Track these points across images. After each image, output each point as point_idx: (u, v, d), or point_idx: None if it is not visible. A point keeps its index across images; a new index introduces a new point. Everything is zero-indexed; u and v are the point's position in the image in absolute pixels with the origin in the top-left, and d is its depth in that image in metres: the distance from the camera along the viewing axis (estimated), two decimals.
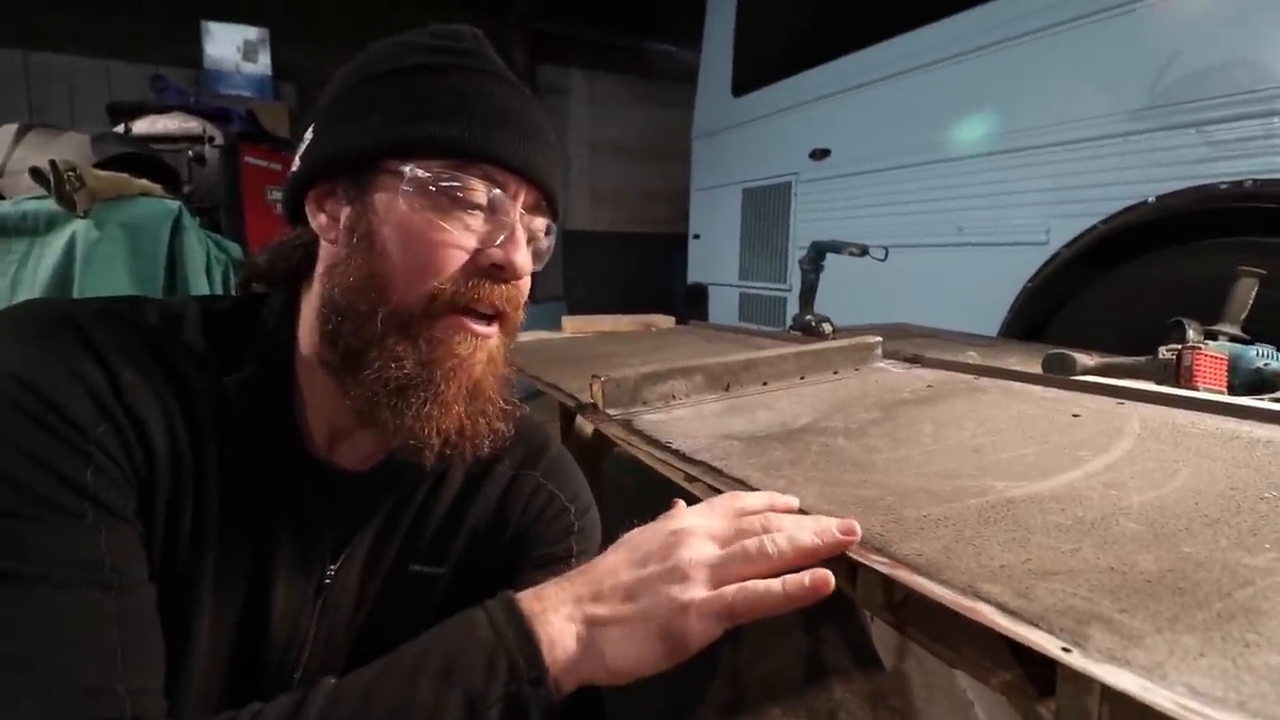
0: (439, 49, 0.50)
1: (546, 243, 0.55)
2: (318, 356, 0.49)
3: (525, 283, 0.53)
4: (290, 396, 0.51)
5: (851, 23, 2.58)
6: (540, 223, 0.53)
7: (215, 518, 0.47)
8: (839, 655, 1.51)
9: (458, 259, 0.47)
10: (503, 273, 0.48)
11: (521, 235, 0.49)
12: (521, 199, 0.50)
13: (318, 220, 0.50)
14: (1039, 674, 0.36)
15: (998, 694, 0.41)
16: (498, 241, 0.48)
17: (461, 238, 0.47)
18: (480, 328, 0.49)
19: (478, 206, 0.48)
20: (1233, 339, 1.03)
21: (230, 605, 0.48)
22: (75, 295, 1.13)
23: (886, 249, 1.54)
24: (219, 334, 0.50)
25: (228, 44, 4.56)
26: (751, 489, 0.54)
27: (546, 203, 0.53)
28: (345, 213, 0.48)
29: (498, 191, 0.48)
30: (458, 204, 0.47)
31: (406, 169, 0.46)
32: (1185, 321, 1.02)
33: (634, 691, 1.38)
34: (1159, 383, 0.92)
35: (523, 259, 0.49)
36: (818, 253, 1.62)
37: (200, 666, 0.47)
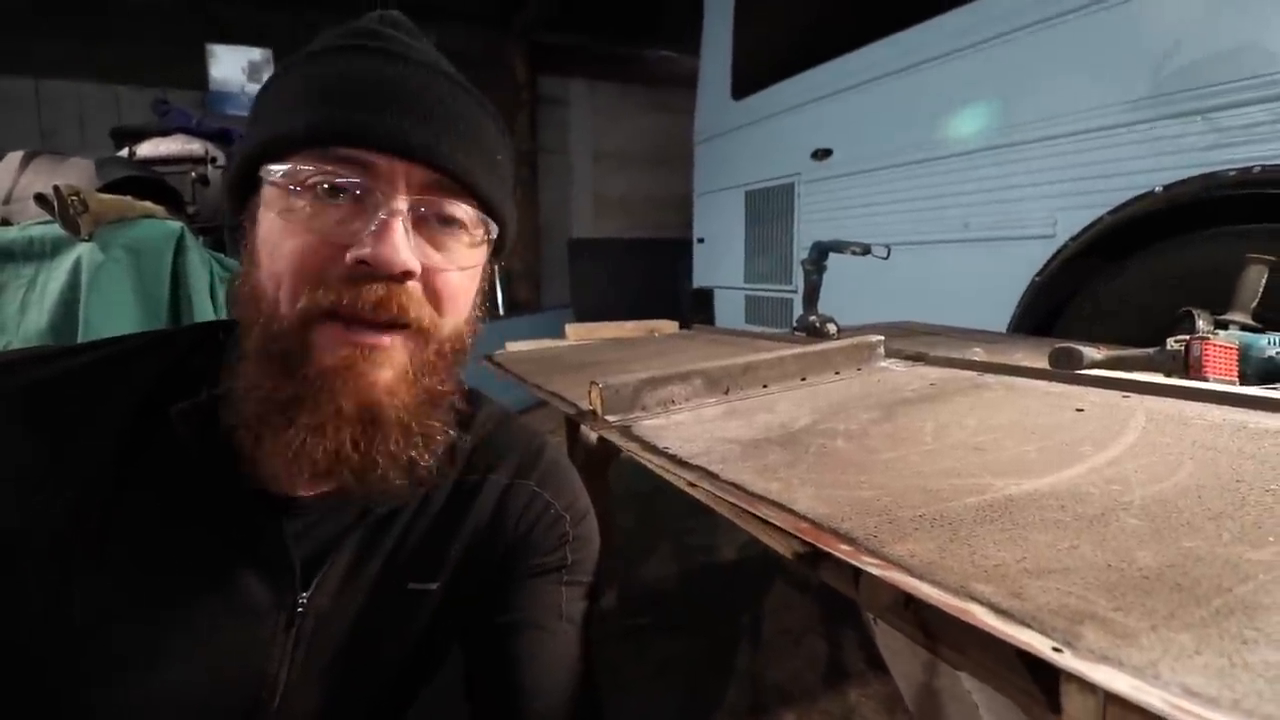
0: (332, 36, 0.47)
1: (471, 233, 0.48)
2: None
3: (445, 283, 0.47)
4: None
5: (850, 21, 2.58)
6: (449, 208, 0.46)
7: (147, 556, 0.45)
8: (854, 659, 1.50)
9: (318, 258, 0.42)
10: (371, 269, 0.42)
11: (396, 224, 0.42)
12: (403, 183, 0.44)
13: (244, 247, 0.48)
14: (1044, 675, 0.36)
15: (1004, 696, 0.41)
16: (364, 234, 0.42)
17: (325, 234, 0.42)
18: (367, 337, 0.43)
19: (344, 198, 0.43)
20: (1243, 328, 1.01)
21: (177, 645, 0.46)
22: (81, 317, 1.15)
23: (889, 247, 1.53)
24: (181, 363, 0.50)
25: (233, 66, 4.63)
26: (748, 493, 0.54)
27: (464, 186, 0.46)
28: (247, 229, 0.47)
29: (360, 177, 0.43)
30: (317, 197, 0.42)
31: (263, 171, 0.44)
32: (1195, 311, 1.00)
33: (650, 697, 1.37)
34: (1168, 374, 0.90)
35: (392, 252, 0.42)
36: (820, 253, 1.61)
37: (152, 713, 0.46)
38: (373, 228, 0.42)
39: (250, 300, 0.45)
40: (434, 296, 0.47)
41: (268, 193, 0.44)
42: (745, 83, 3.19)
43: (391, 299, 0.43)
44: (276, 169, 0.43)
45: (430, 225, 0.46)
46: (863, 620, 1.45)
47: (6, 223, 1.33)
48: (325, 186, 0.43)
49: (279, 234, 0.43)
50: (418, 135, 0.43)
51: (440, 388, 0.49)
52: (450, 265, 0.47)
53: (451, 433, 0.52)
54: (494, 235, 0.50)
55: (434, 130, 0.44)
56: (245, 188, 0.47)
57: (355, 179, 0.43)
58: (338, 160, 0.43)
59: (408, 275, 0.43)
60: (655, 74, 6.36)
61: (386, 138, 0.43)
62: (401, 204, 0.43)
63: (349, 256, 0.42)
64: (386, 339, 0.44)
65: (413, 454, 0.47)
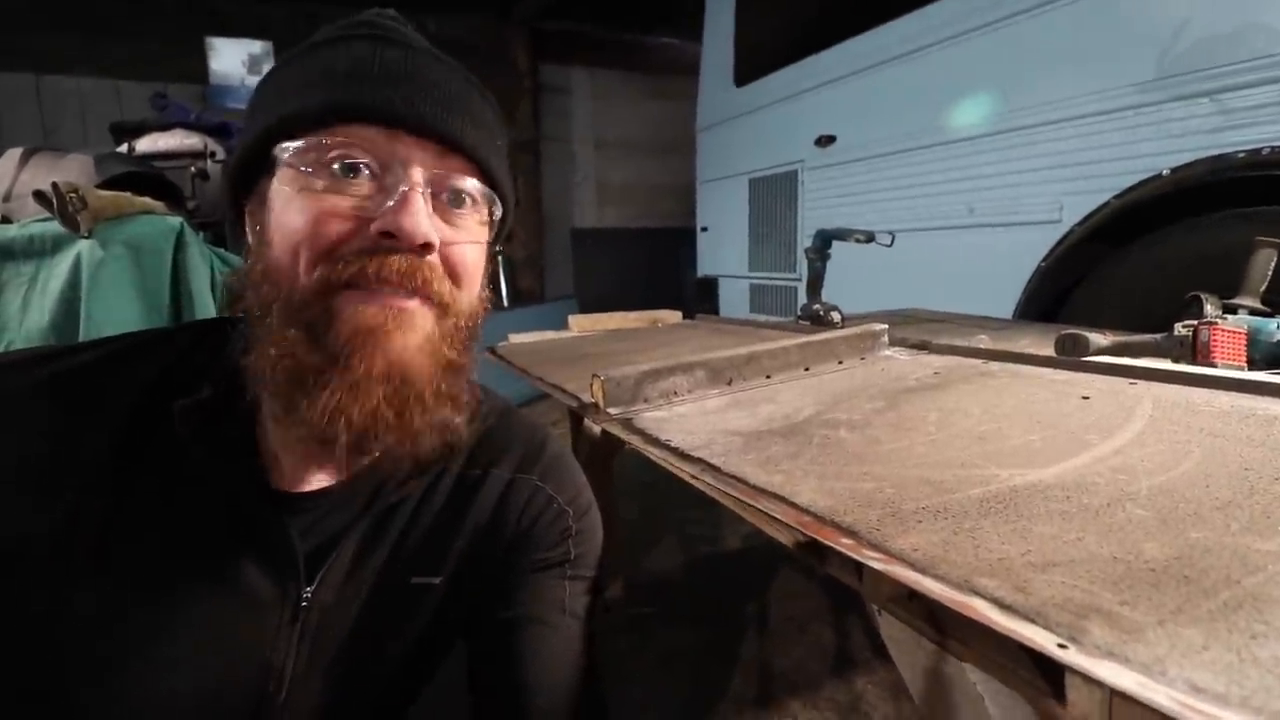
0: (334, 28, 0.48)
1: (480, 208, 0.49)
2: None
3: (460, 258, 0.48)
4: (248, 419, 0.49)
5: (852, 6, 2.55)
6: (464, 182, 0.47)
7: (150, 555, 0.46)
8: (861, 647, 1.50)
9: (336, 229, 0.43)
10: (395, 240, 0.43)
11: (417, 196, 0.44)
12: (419, 157, 0.45)
13: (250, 230, 0.48)
14: (1049, 667, 0.35)
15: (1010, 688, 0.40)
16: (386, 206, 0.43)
17: (341, 206, 0.43)
18: (393, 299, 0.44)
19: (363, 173, 0.44)
20: (1252, 312, 1.00)
21: (183, 641, 0.46)
22: (82, 314, 1.15)
23: (893, 234, 1.52)
24: (181, 361, 0.50)
25: (233, 59, 4.61)
26: (749, 486, 0.53)
27: (473, 163, 0.48)
28: (255, 215, 0.47)
29: (378, 151, 0.44)
30: (335, 174, 0.43)
31: (278, 149, 0.44)
32: (1203, 296, 0.99)
33: (655, 687, 1.37)
34: (1176, 360, 0.89)
35: (415, 222, 0.43)
36: (823, 241, 1.60)
37: (158, 710, 0.46)
38: (391, 202, 0.43)
39: (264, 279, 0.44)
40: (451, 271, 0.48)
41: (282, 172, 0.44)
42: (748, 69, 3.16)
43: (415, 271, 0.44)
44: (292, 146, 0.44)
45: (442, 201, 0.47)
46: (867, 610, 1.45)
47: (6, 220, 1.33)
48: (341, 164, 0.43)
49: (295, 210, 0.44)
50: (431, 112, 0.45)
51: (460, 359, 0.49)
52: (464, 238, 0.48)
53: (478, 396, 0.53)
54: (498, 215, 0.51)
55: (445, 108, 0.46)
56: (252, 170, 0.47)
57: (374, 154, 0.44)
58: (353, 136, 0.43)
59: (428, 248, 0.45)
60: (657, 61, 6.30)
61: (403, 114, 0.44)
62: (419, 177, 0.44)
63: (373, 229, 0.43)
64: (412, 302, 0.45)
65: (444, 414, 0.48)
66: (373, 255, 0.43)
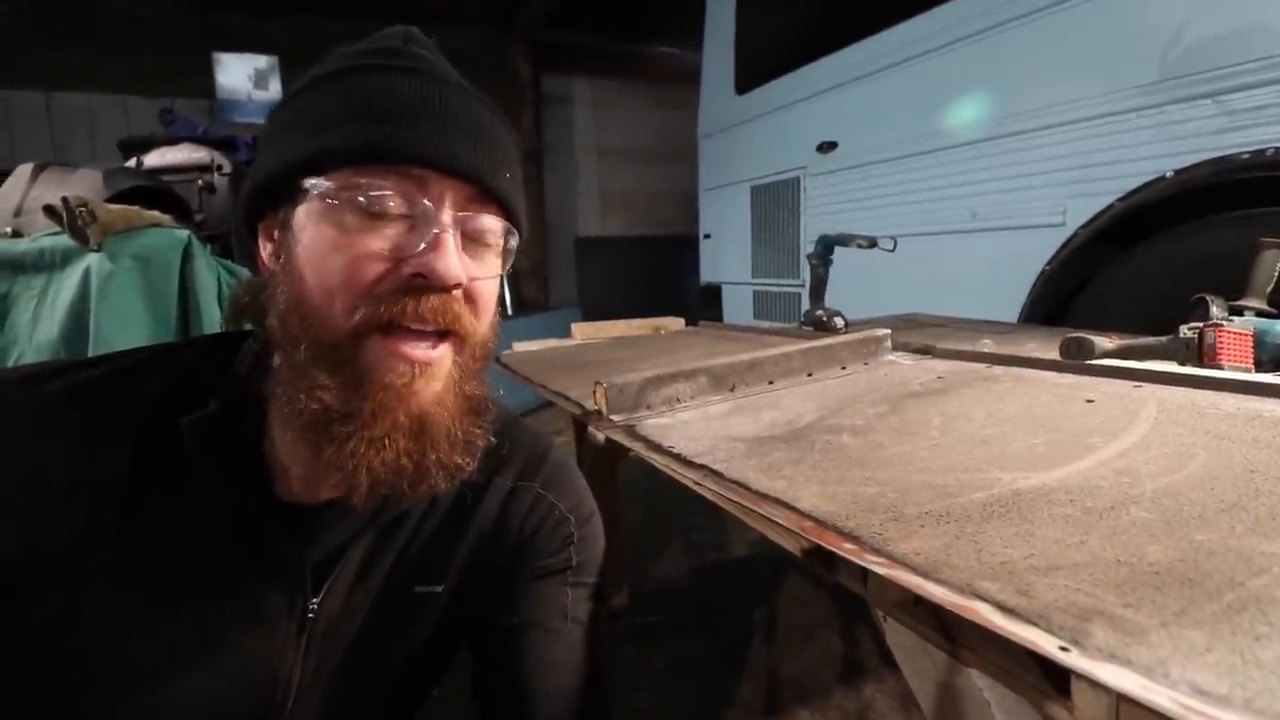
0: (360, 53, 0.48)
1: (498, 243, 0.50)
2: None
3: (480, 291, 0.49)
4: (255, 432, 0.49)
5: (852, 13, 2.56)
6: (487, 221, 0.48)
7: (160, 567, 0.46)
8: (869, 654, 1.49)
9: (373, 271, 0.43)
10: (427, 282, 0.44)
11: (449, 239, 0.44)
12: (449, 198, 0.45)
13: (265, 249, 0.48)
14: (1056, 671, 0.35)
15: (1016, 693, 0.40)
16: (419, 248, 0.44)
17: (376, 248, 0.43)
18: (419, 351, 0.45)
19: (394, 212, 0.44)
20: (1259, 314, 1.00)
21: (191, 652, 0.47)
22: (92, 327, 1.16)
23: (895, 240, 1.52)
24: (188, 376, 0.50)
25: (239, 73, 4.67)
26: (752, 491, 0.53)
27: (495, 201, 0.48)
28: (277, 238, 0.47)
29: (410, 193, 0.44)
30: (368, 212, 0.43)
31: (310, 184, 0.44)
32: (1208, 298, 0.98)
33: (662, 695, 1.35)
34: (1181, 363, 0.89)
35: (447, 265, 0.44)
36: (825, 247, 1.60)
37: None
38: (424, 244, 0.44)
39: (293, 311, 0.45)
40: (471, 304, 0.48)
41: (313, 205, 0.44)
42: (749, 77, 3.17)
43: (445, 308, 0.45)
44: (326, 183, 0.44)
45: (466, 237, 0.47)
46: (873, 617, 1.44)
47: (17, 235, 1.34)
48: (373, 203, 0.43)
49: (329, 249, 0.43)
50: (464, 153, 0.45)
51: (477, 393, 0.50)
52: (485, 274, 0.49)
53: (492, 439, 0.53)
54: (514, 244, 0.52)
55: (473, 147, 0.46)
56: (276, 195, 0.47)
57: (405, 194, 0.44)
58: (386, 175, 0.44)
59: (458, 286, 0.45)
60: (658, 70, 6.33)
61: (435, 156, 0.44)
62: (449, 218, 0.45)
63: (407, 270, 0.43)
64: (437, 352, 0.46)
65: (458, 460, 0.48)
66: (407, 296, 0.44)
